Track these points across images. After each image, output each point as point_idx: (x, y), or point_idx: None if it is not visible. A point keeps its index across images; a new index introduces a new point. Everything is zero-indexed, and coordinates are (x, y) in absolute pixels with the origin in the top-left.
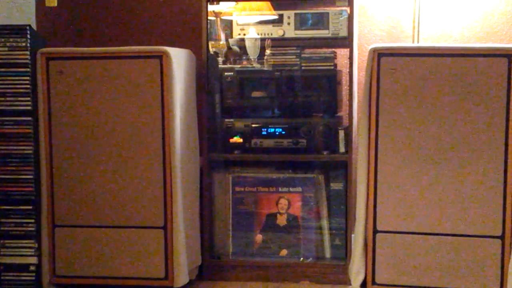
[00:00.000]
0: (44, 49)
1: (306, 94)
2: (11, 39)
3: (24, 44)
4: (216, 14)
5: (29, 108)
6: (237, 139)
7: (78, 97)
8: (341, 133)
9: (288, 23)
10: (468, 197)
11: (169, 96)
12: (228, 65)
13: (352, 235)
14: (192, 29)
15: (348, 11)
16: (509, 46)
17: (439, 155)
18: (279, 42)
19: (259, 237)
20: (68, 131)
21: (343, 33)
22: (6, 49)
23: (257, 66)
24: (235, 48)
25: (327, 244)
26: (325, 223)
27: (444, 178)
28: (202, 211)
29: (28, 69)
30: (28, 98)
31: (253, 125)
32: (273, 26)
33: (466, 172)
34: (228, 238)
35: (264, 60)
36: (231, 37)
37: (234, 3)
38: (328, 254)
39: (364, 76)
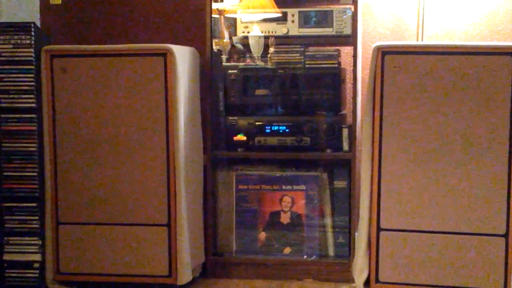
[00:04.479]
0: (48, 47)
1: (309, 92)
2: (15, 37)
3: (28, 41)
4: (220, 12)
5: (33, 105)
6: (240, 137)
7: (82, 95)
8: (345, 131)
9: (292, 21)
10: (472, 195)
11: (173, 93)
12: (232, 63)
13: (356, 233)
14: (196, 27)
15: (352, 9)
16: None
17: (443, 153)
18: (283, 40)
19: (262, 235)
20: (72, 129)
21: (347, 31)
22: (11, 46)
23: (260, 64)
24: (239, 46)
25: (330, 242)
26: (328, 221)
27: (448, 176)
28: (206, 209)
29: (32, 67)
30: (32, 96)
31: (257, 123)
32: (277, 24)
33: (470, 170)
34: (231, 235)
35: (268, 58)
36: (235, 35)
37: (238, 0)
38: (331, 252)
39: (368, 74)
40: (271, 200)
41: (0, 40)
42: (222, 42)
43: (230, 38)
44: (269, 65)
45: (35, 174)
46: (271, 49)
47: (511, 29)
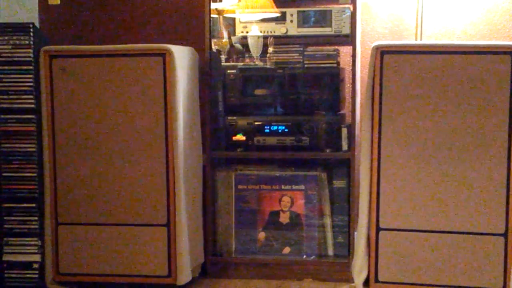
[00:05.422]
0: (47, 47)
1: (308, 91)
2: (14, 37)
3: (27, 42)
4: (219, 12)
5: (32, 106)
6: (240, 137)
7: (81, 95)
8: (344, 131)
9: (291, 21)
10: (472, 195)
11: (172, 93)
12: (231, 63)
13: (355, 233)
14: (195, 27)
15: (351, 9)
16: None
17: (442, 153)
18: (282, 40)
19: (262, 235)
20: (71, 129)
21: (346, 30)
22: (10, 47)
23: (259, 63)
24: (238, 45)
25: (330, 241)
26: (328, 220)
27: (447, 176)
28: (205, 208)
29: (31, 67)
30: (31, 96)
31: (256, 123)
32: (276, 23)
33: (469, 169)
34: (231, 235)
35: (267, 58)
36: (234, 34)
37: (236, 0)
38: (331, 251)
39: (367, 73)
40: (271, 200)
41: None
42: (221, 42)
43: (229, 38)
44: (268, 65)
45: (34, 174)
46: (270, 49)
47: (510, 28)
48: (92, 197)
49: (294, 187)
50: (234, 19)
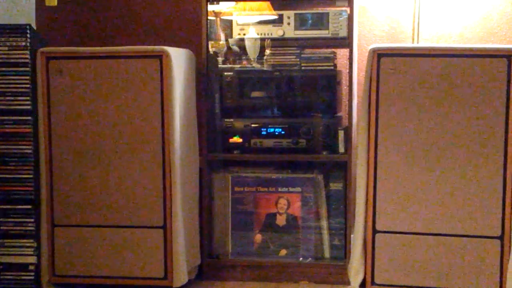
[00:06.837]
0: (44, 49)
1: (305, 94)
2: (11, 39)
3: (24, 43)
4: (216, 14)
5: (28, 107)
6: (236, 139)
7: (78, 97)
8: (341, 133)
9: (288, 23)
10: (468, 198)
11: (168, 96)
12: (228, 65)
13: (352, 235)
14: (192, 29)
15: (348, 11)
16: (509, 47)
17: (439, 156)
18: (279, 42)
19: (258, 237)
20: (68, 131)
21: (343, 33)
22: (6, 48)
23: (256, 66)
24: (235, 48)
25: (326, 244)
26: (324, 223)
27: (443, 179)
28: (202, 211)
29: (28, 69)
30: (28, 98)
31: (253, 125)
32: (273, 26)
33: (465, 172)
34: (227, 238)
35: (264, 60)
36: (231, 37)
37: (234, 3)
38: (327, 254)
39: (363, 76)
40: (267, 202)
41: None
42: (218, 44)
43: (226, 40)
44: (265, 67)
45: (31, 176)
46: (267, 51)
47: (506, 32)
48: (89, 199)
49: (290, 189)
50: (231, 21)
